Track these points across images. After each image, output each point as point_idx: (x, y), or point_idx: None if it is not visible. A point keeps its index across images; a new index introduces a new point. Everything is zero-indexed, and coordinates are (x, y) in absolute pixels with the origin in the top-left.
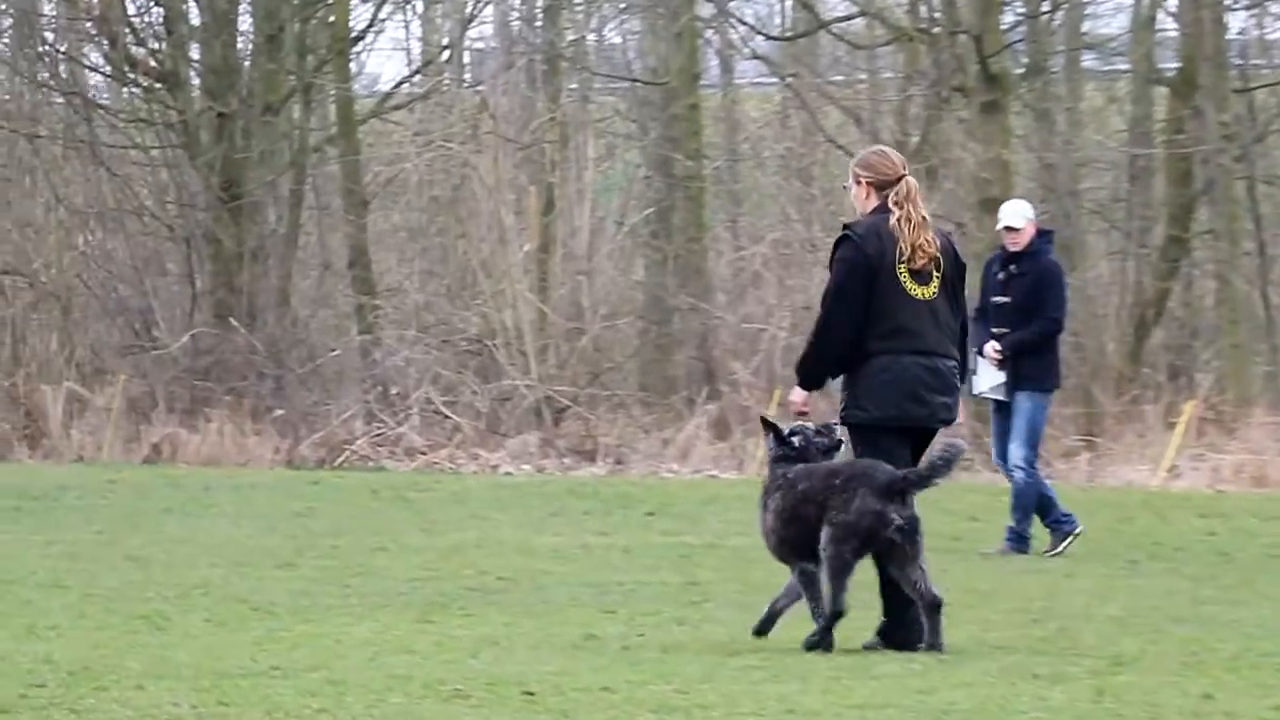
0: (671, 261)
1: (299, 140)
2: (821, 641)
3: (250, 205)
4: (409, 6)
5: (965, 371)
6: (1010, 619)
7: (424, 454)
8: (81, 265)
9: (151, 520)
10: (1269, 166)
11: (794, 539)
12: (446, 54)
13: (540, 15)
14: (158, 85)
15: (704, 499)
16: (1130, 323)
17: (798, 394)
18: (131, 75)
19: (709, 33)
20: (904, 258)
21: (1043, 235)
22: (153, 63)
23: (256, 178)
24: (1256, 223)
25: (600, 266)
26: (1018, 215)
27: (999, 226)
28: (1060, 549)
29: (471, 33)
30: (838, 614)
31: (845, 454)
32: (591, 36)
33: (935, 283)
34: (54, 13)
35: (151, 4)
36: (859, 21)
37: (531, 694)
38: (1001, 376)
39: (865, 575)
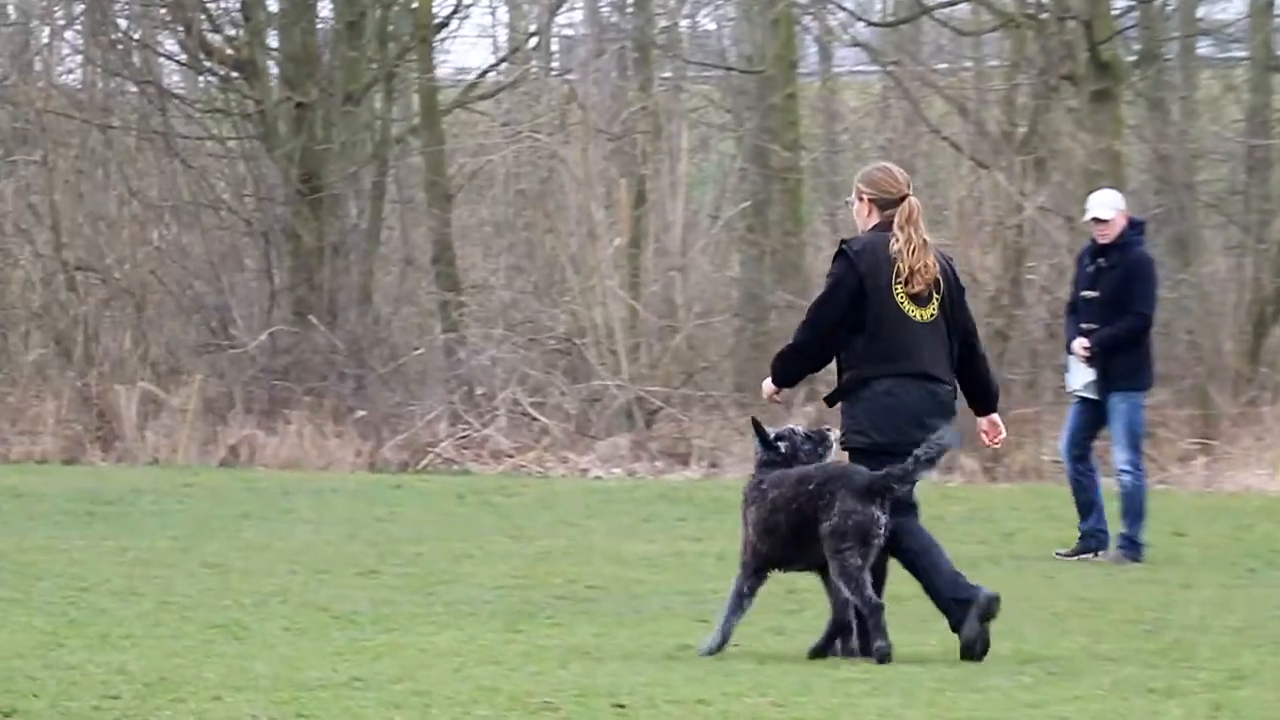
0: (768, 257)
1: (381, 131)
2: (879, 639)
3: (330, 199)
4: None
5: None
6: (1123, 630)
7: (510, 457)
8: (156, 261)
9: (229, 526)
10: None
11: (765, 552)
12: (534, 41)
13: (631, 1)
14: (234, 74)
15: None
16: (1248, 320)
17: (769, 385)
18: (207, 63)
19: (807, 18)
20: (902, 279)
21: (1134, 226)
22: (229, 50)
23: (337, 170)
24: None
25: (694, 262)
26: (1106, 206)
27: (1086, 218)
28: (1073, 556)
29: (560, 19)
30: (877, 607)
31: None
32: (685, 23)
33: (934, 305)
34: None
35: None
36: (964, 7)
37: (623, 707)
38: (1092, 373)
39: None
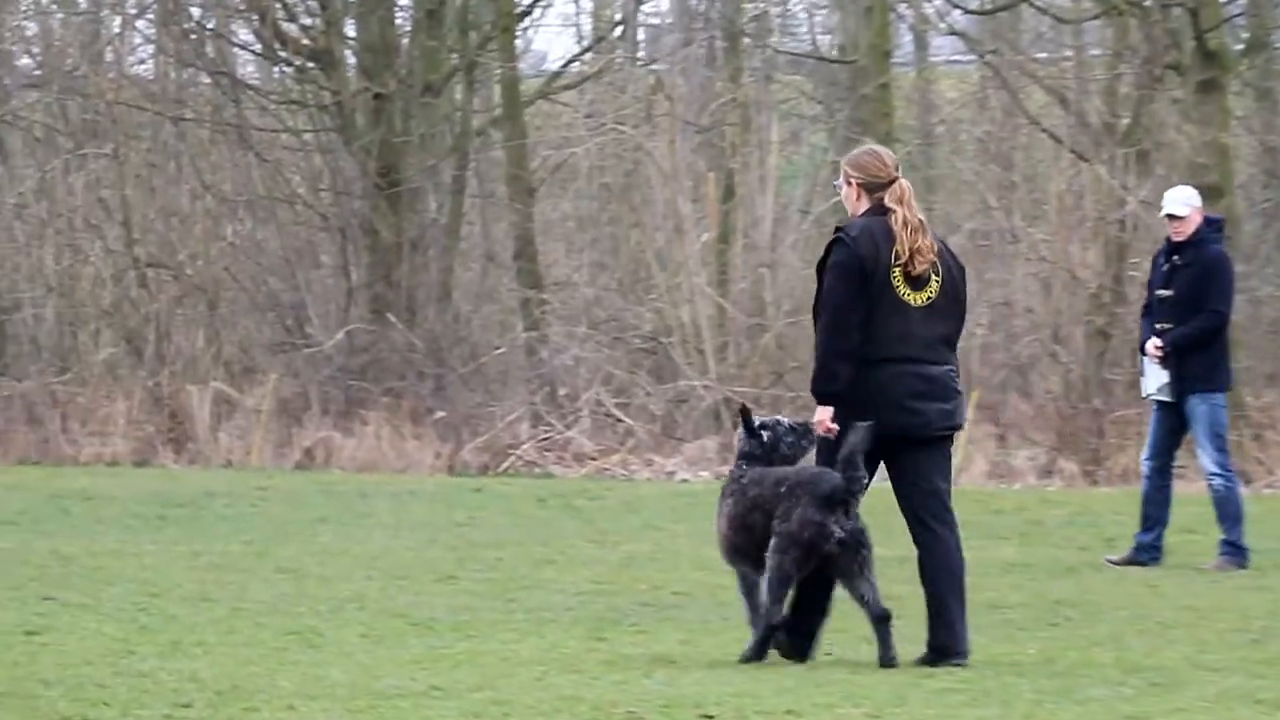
0: None
1: (461, 123)
2: (756, 653)
3: (409, 193)
4: None
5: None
6: (1228, 639)
7: (594, 459)
8: (230, 257)
9: (304, 530)
10: None
11: (742, 546)
12: (619, 30)
13: None
14: (311, 64)
15: (895, 508)
16: None
17: (821, 412)
18: (283, 54)
19: (902, 6)
20: (901, 262)
21: (1210, 224)
22: (305, 40)
23: (416, 163)
24: None
25: (784, 258)
26: (1180, 203)
27: (1161, 214)
28: (1120, 562)
29: (646, 7)
30: (773, 626)
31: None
32: (775, 11)
33: (931, 288)
34: None
35: None
36: None
37: (710, 717)
38: (1166, 376)
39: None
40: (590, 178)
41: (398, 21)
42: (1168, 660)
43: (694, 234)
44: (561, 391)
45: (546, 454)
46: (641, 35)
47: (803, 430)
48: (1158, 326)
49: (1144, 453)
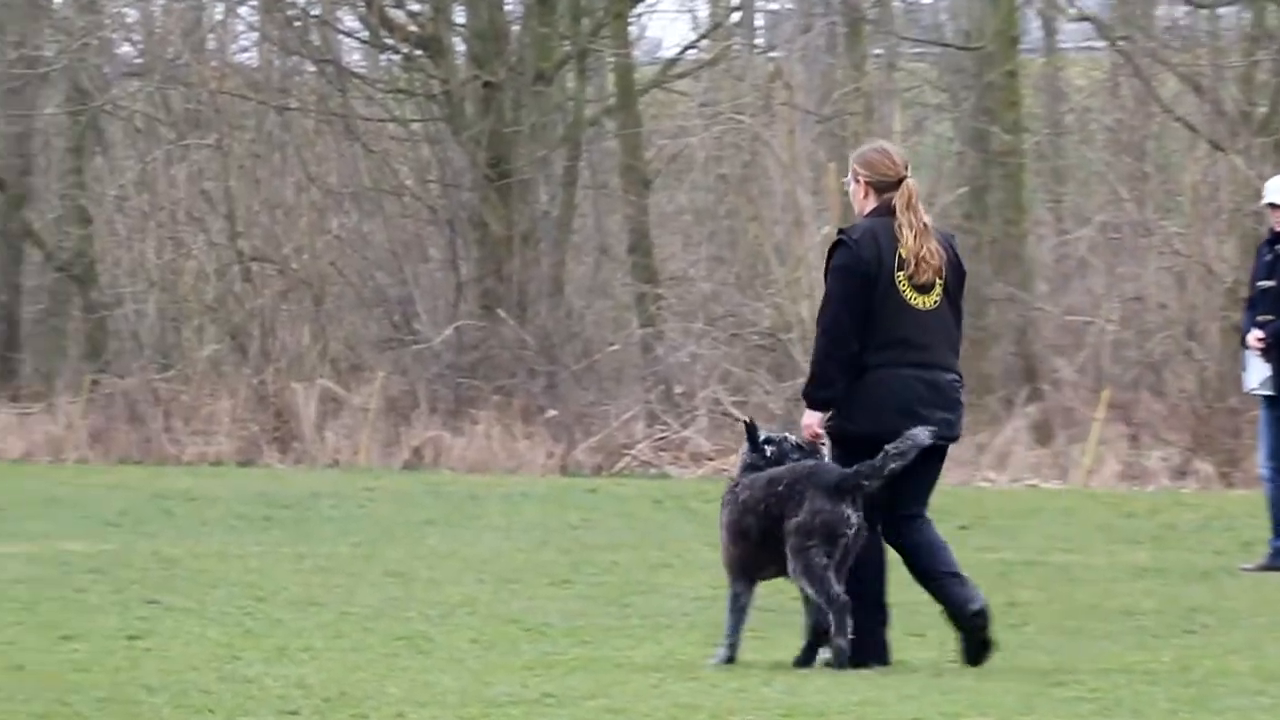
0: (987, 246)
1: (574, 112)
2: (839, 647)
3: (520, 184)
4: None
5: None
6: None
7: (711, 460)
8: (335, 251)
9: (413, 532)
10: None
11: (739, 556)
12: (737, 16)
13: None
14: (418, 52)
15: (1024, 511)
16: None
17: (809, 416)
18: (390, 41)
19: None
20: (904, 267)
21: None
22: (413, 27)
23: (527, 154)
24: None
25: None
26: None
27: (1262, 203)
28: (1254, 568)
29: None
30: (844, 605)
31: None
32: None
33: (937, 292)
34: None
35: None
36: None
37: None
38: (1269, 369)
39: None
40: (707, 169)
41: (508, 7)
42: None
43: (814, 227)
44: (677, 389)
45: (662, 454)
46: (760, 21)
47: (809, 449)
48: (1259, 319)
49: (1260, 456)
